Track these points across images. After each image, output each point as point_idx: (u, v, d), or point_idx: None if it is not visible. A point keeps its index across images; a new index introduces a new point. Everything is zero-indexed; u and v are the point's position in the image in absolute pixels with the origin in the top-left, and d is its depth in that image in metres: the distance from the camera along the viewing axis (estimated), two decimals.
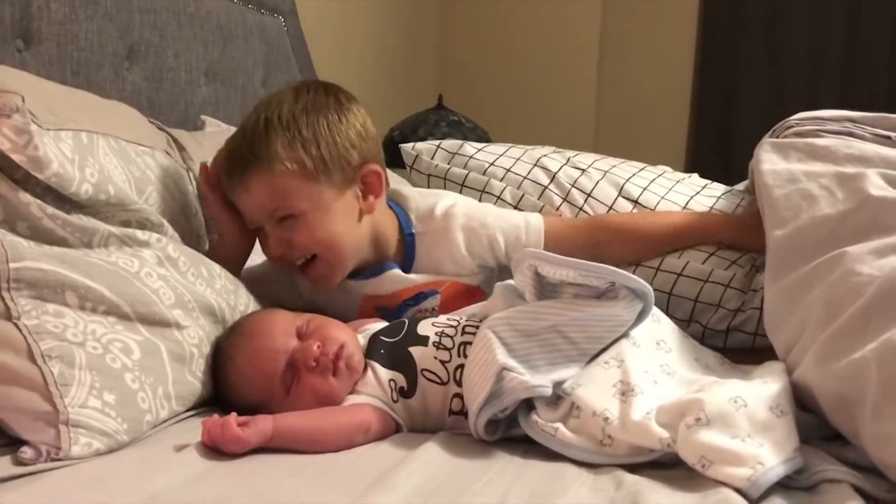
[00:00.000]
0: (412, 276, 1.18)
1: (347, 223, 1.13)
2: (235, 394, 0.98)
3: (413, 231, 1.19)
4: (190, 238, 1.16)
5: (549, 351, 0.89)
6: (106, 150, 1.00)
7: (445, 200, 1.20)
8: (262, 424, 0.85)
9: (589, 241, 1.19)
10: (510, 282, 1.01)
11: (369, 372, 0.97)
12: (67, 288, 0.85)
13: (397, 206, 1.22)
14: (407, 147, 1.44)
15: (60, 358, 0.81)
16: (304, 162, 1.08)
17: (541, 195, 1.30)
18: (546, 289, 0.95)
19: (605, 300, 0.92)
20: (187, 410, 0.95)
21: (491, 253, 1.18)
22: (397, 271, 1.17)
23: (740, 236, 1.18)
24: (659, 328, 0.99)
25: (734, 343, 1.11)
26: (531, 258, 0.94)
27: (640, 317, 0.93)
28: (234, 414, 0.85)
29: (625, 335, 0.93)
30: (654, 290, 1.11)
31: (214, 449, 0.83)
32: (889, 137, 1.02)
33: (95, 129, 1.00)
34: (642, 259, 1.21)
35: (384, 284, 1.18)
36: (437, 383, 0.95)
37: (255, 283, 1.18)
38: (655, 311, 1.00)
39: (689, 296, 1.14)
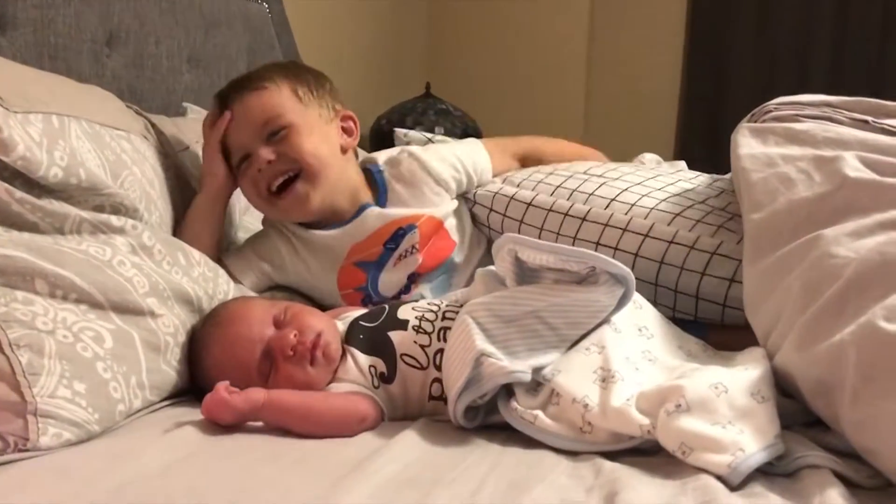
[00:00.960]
0: (389, 210, 1.25)
1: (331, 148, 1.23)
2: (212, 383, 0.97)
3: (381, 169, 1.29)
4: (168, 223, 1.14)
5: (528, 336, 0.88)
6: (78, 133, 0.98)
7: (403, 147, 1.34)
8: (254, 394, 0.85)
9: (514, 158, 1.42)
10: (491, 268, 1.00)
11: (349, 358, 0.96)
12: (37, 275, 0.83)
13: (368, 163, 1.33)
14: (400, 132, 1.50)
15: (29, 346, 0.79)
16: (296, 90, 1.22)
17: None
18: (526, 274, 0.94)
19: (585, 285, 0.91)
20: (162, 400, 0.94)
21: (458, 161, 1.31)
22: (374, 208, 1.25)
23: None
24: (641, 314, 0.98)
25: (704, 313, 1.10)
26: (511, 243, 0.93)
27: (621, 302, 0.92)
28: (225, 382, 0.86)
29: (606, 321, 0.92)
30: (621, 251, 1.14)
31: (207, 426, 0.84)
32: (866, 121, 1.01)
33: (67, 113, 0.98)
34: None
35: (365, 225, 1.24)
36: (417, 368, 0.94)
37: (240, 259, 1.26)
38: (638, 297, 0.99)
39: (655, 257, 1.13)
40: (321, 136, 1.22)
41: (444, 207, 1.28)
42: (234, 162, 1.22)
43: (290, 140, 1.18)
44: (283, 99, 1.20)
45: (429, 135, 1.51)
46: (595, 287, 0.90)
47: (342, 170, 1.24)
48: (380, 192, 1.27)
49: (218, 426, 0.86)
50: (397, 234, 1.24)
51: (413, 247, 1.24)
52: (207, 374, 0.97)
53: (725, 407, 0.78)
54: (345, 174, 1.24)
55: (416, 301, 1.05)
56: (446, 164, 1.30)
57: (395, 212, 1.25)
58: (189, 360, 0.98)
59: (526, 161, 1.42)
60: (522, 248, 0.92)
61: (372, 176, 1.29)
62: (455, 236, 1.29)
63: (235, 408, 0.85)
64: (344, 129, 1.27)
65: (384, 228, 1.24)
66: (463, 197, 1.34)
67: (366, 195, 1.27)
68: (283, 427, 0.87)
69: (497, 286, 0.97)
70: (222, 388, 0.85)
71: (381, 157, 1.32)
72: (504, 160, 1.39)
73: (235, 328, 0.96)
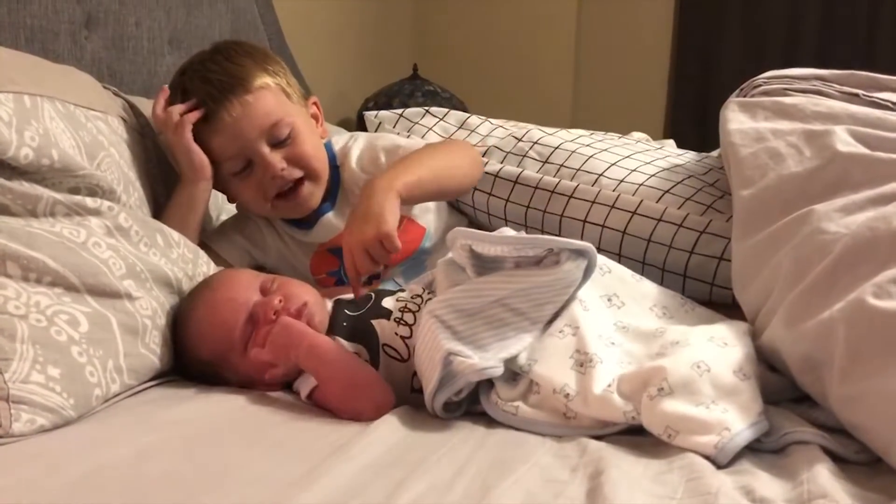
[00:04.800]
0: (341, 222, 1.21)
1: (319, 142, 1.22)
2: (194, 349, 0.96)
3: (338, 164, 1.26)
4: (147, 205, 1.12)
5: (496, 326, 0.86)
6: (52, 113, 0.96)
7: (356, 134, 1.31)
8: (301, 323, 0.91)
9: None
10: (451, 256, 0.97)
11: None
12: (8, 258, 0.82)
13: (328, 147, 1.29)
14: (370, 115, 1.48)
15: (1, 331, 0.77)
16: (279, 83, 1.18)
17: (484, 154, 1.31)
18: (486, 262, 0.91)
19: (547, 264, 0.89)
20: (141, 384, 0.92)
21: (376, 167, 1.22)
22: (328, 217, 1.23)
23: None
24: (609, 280, 0.95)
25: (692, 291, 1.08)
26: (463, 238, 0.91)
27: (586, 275, 0.90)
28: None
29: (576, 298, 0.90)
30: (609, 229, 1.13)
31: (184, 411, 0.84)
32: (857, 95, 1.00)
33: (40, 93, 0.95)
34: None
35: (320, 233, 1.23)
36: (398, 360, 0.93)
37: (223, 238, 1.24)
38: (605, 260, 0.97)
39: (643, 235, 1.11)
40: (310, 130, 1.20)
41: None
42: (227, 168, 1.16)
43: (295, 145, 1.15)
44: (279, 99, 1.16)
45: (399, 111, 1.46)
46: (557, 267, 0.88)
47: (326, 159, 1.23)
48: (332, 188, 1.23)
49: (197, 411, 0.85)
50: None
51: None
52: (191, 338, 0.96)
53: (708, 386, 0.76)
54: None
55: (399, 290, 1.03)
56: (369, 169, 1.22)
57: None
58: (174, 326, 0.98)
59: None
60: (475, 241, 0.90)
61: (331, 169, 1.23)
62: (423, 221, 1.26)
63: (280, 321, 0.90)
64: (313, 116, 1.25)
65: (341, 235, 1.20)
66: None
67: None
68: (310, 368, 0.89)
69: (459, 275, 0.94)
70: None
71: (337, 145, 1.27)
72: None
73: (223, 291, 0.97)
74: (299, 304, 0.95)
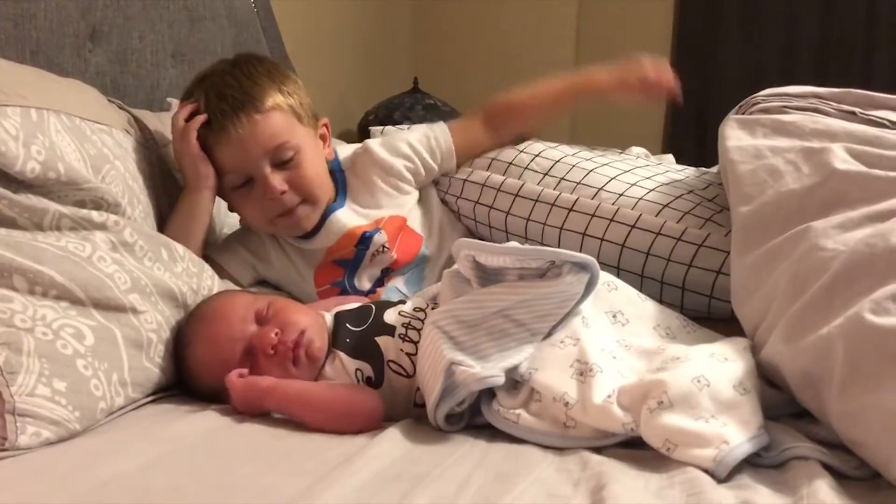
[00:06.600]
0: (350, 219, 1.24)
1: (323, 165, 1.25)
2: (196, 380, 0.96)
3: (343, 168, 1.29)
4: (151, 217, 1.13)
5: (497, 337, 0.86)
6: (58, 127, 0.97)
7: (364, 142, 1.34)
8: (260, 380, 0.89)
9: (488, 128, 1.35)
10: (457, 267, 0.97)
11: (336, 360, 0.95)
12: (15, 272, 0.82)
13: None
14: (376, 130, 1.49)
15: (7, 344, 0.78)
16: (292, 105, 1.20)
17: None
18: (490, 273, 0.92)
19: (550, 277, 0.90)
20: (145, 397, 0.93)
21: (409, 148, 1.28)
22: (337, 214, 1.25)
23: (616, 86, 1.38)
24: (616, 297, 0.96)
25: (691, 304, 1.09)
26: (467, 248, 0.92)
27: (588, 288, 0.90)
28: (240, 369, 0.91)
29: (576, 313, 0.90)
30: (608, 242, 1.14)
31: (189, 424, 0.85)
32: (854, 112, 1.01)
33: (46, 106, 0.96)
34: (542, 124, 1.38)
35: (330, 234, 1.25)
36: (403, 376, 0.93)
37: (228, 252, 1.26)
38: (612, 278, 0.98)
39: (642, 248, 1.12)
40: (316, 153, 1.23)
41: (405, 206, 1.28)
42: (228, 181, 1.18)
43: (298, 168, 1.17)
44: (287, 118, 1.18)
45: (403, 126, 1.49)
46: (559, 279, 0.89)
47: (330, 183, 1.25)
48: (339, 190, 1.27)
49: (201, 424, 0.86)
50: (364, 238, 1.24)
51: (384, 246, 1.24)
52: (191, 372, 0.96)
53: (708, 400, 0.77)
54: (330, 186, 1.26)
55: (400, 302, 1.04)
56: (398, 154, 1.28)
57: (356, 220, 1.25)
58: (175, 356, 0.97)
59: (496, 119, 1.36)
60: (479, 252, 0.91)
61: (332, 171, 1.28)
62: (421, 230, 1.28)
63: (234, 388, 0.88)
64: (321, 137, 1.27)
65: (350, 234, 1.24)
66: (436, 187, 1.34)
67: (330, 195, 1.26)
68: (290, 415, 0.88)
69: (463, 286, 0.95)
70: (234, 373, 0.89)
71: (343, 153, 1.31)
72: (470, 130, 1.34)
73: (216, 326, 0.95)
74: (296, 333, 0.93)
